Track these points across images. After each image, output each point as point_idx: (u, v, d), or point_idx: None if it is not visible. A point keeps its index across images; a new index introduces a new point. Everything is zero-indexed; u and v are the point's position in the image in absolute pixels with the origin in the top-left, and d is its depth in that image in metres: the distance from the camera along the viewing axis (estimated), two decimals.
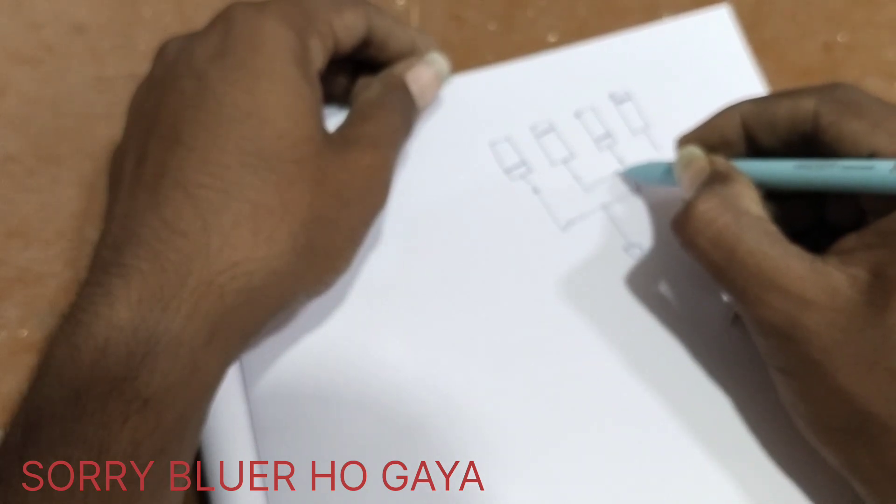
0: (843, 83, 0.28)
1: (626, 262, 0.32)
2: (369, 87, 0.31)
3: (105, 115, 0.35)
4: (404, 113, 0.31)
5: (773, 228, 0.26)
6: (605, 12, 0.38)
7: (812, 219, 0.30)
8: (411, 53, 0.32)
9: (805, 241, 0.26)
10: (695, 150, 0.30)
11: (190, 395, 0.23)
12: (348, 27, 0.30)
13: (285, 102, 0.26)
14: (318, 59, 0.29)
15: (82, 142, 0.35)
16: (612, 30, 0.37)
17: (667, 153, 0.34)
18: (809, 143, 0.28)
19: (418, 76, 0.32)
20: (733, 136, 0.30)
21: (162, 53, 0.29)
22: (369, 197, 0.28)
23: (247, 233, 0.25)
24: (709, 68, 0.36)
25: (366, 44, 0.31)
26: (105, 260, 0.24)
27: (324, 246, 0.27)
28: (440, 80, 0.33)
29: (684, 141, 0.31)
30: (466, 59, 0.36)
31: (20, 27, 0.37)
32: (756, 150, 0.30)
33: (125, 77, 0.36)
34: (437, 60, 0.33)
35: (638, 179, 0.33)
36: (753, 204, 0.27)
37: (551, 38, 0.37)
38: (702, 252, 0.26)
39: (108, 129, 0.35)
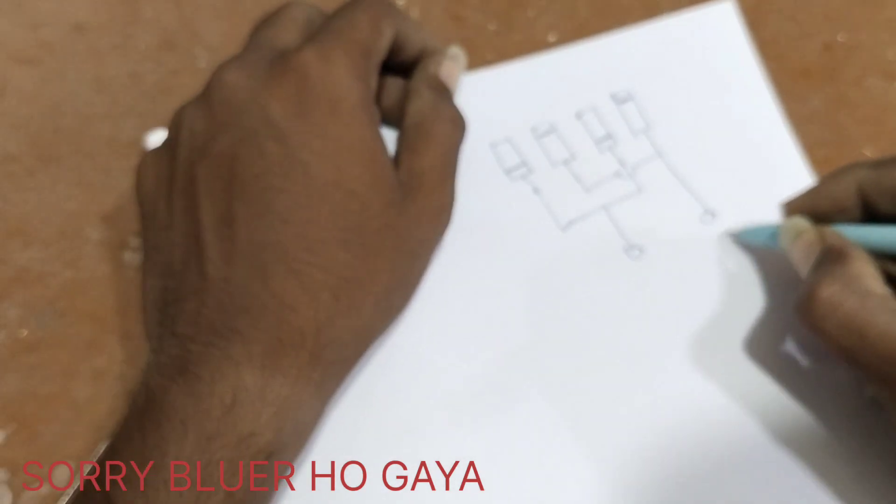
0: None
1: (627, 264, 0.32)
2: (419, 95, 0.31)
3: (105, 115, 0.35)
4: (457, 120, 0.31)
5: None
6: (606, 11, 0.38)
7: None
8: (423, 51, 0.32)
9: None
10: (801, 222, 0.29)
11: (301, 445, 0.27)
12: (387, 45, 0.30)
13: (366, 170, 0.27)
14: (374, 88, 0.29)
15: (82, 142, 0.35)
16: (612, 29, 0.37)
17: (668, 155, 0.34)
18: None
19: (450, 73, 0.32)
20: (848, 203, 0.29)
21: (221, 85, 0.27)
22: (436, 242, 0.31)
23: (343, 307, 0.26)
24: (712, 65, 0.36)
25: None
26: (211, 321, 0.25)
27: (398, 301, 0.29)
28: (461, 74, 0.34)
29: (792, 207, 0.30)
30: (466, 59, 0.36)
31: (20, 27, 0.37)
32: (872, 215, 0.29)
33: (125, 77, 0.36)
34: (459, 55, 0.33)
35: (746, 241, 0.32)
36: (875, 282, 0.26)
37: (551, 38, 0.37)
38: (830, 337, 0.25)
39: (108, 129, 0.35)
